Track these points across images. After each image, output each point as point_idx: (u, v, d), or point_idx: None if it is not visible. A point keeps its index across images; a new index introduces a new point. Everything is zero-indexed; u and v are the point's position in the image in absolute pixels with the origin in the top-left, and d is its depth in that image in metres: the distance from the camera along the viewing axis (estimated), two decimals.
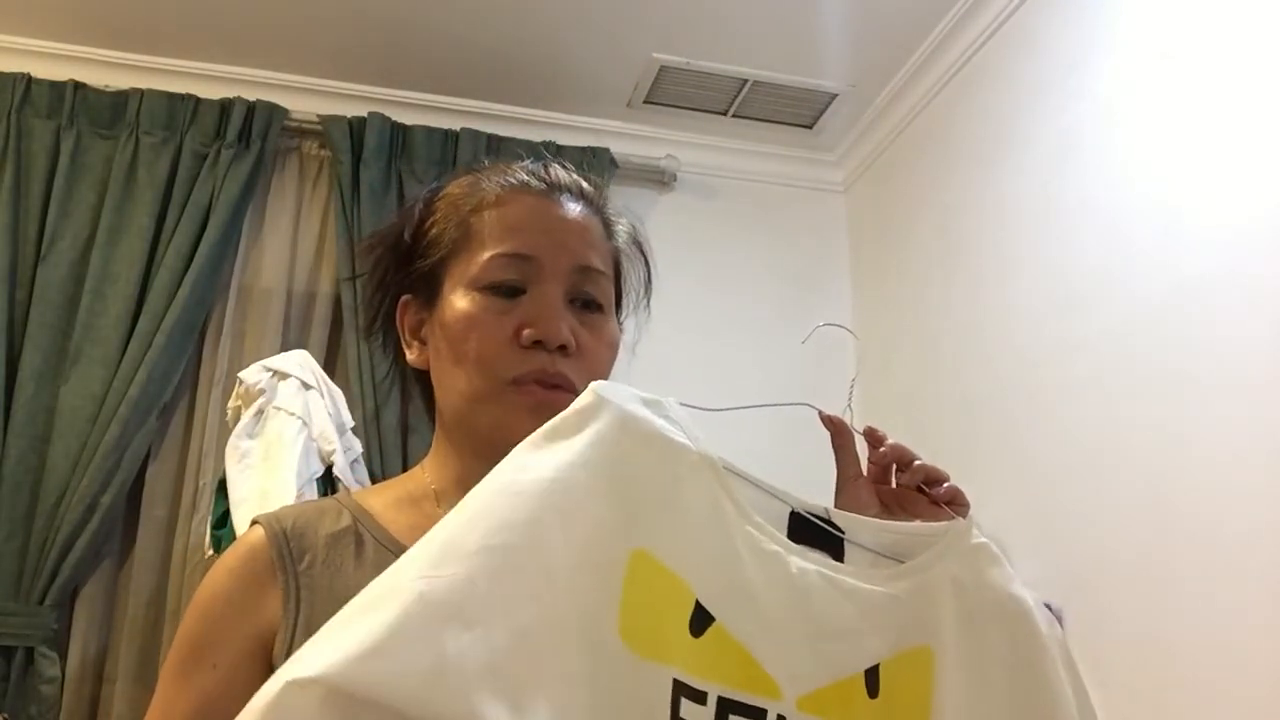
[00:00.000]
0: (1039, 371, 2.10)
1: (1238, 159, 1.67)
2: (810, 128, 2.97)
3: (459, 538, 0.56)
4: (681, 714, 0.58)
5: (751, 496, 0.67)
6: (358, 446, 2.22)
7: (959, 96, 2.53)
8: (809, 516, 0.69)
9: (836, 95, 2.80)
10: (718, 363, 2.76)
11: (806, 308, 2.88)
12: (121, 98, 2.53)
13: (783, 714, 0.61)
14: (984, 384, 2.29)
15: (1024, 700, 0.68)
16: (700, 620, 0.61)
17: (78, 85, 2.52)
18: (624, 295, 0.90)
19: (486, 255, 0.80)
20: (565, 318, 0.79)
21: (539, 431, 0.63)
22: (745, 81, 2.73)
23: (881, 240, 2.90)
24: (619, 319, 0.89)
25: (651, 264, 0.94)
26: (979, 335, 2.35)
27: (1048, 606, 0.75)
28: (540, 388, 0.77)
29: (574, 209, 0.85)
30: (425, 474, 0.85)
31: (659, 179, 2.95)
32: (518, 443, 0.75)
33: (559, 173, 0.87)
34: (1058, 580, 1.91)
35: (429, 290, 0.84)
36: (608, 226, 0.88)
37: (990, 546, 0.72)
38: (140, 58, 2.65)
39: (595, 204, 0.88)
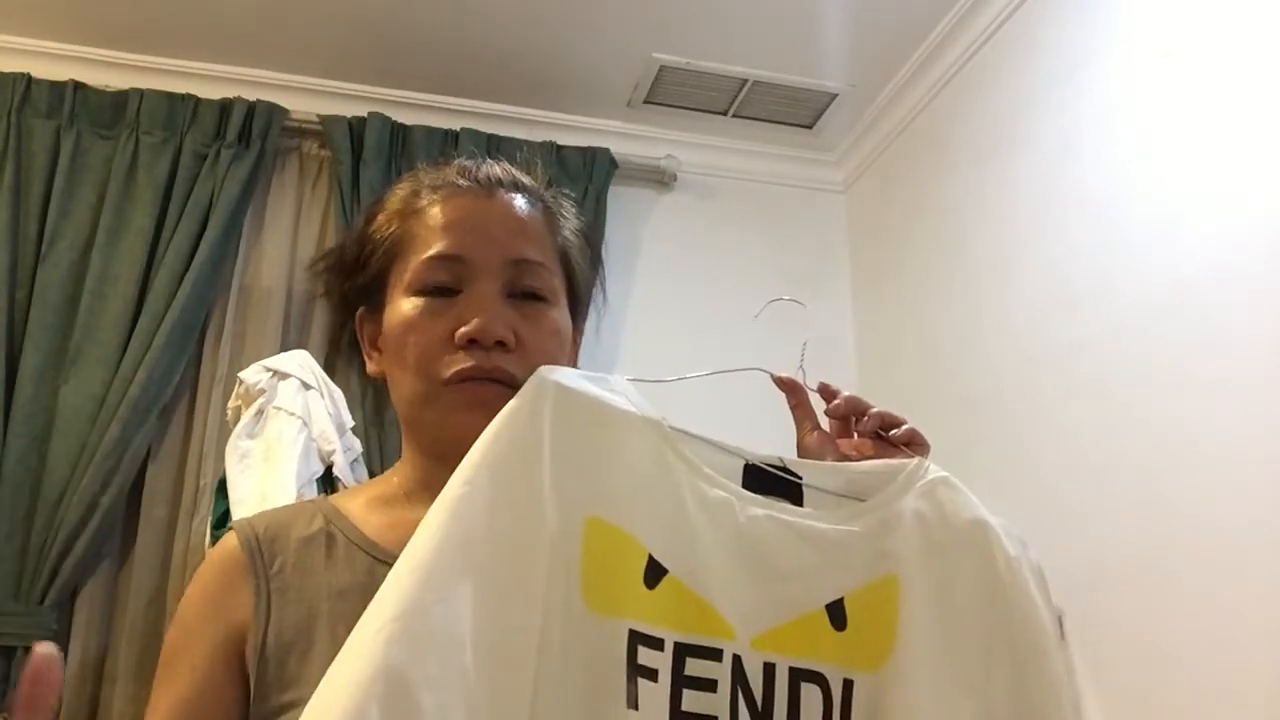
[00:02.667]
0: (1039, 371, 2.10)
1: (1238, 159, 1.67)
2: (810, 128, 2.97)
3: (429, 559, 0.58)
4: (639, 660, 0.61)
5: (703, 453, 0.69)
6: (358, 446, 2.22)
7: (959, 96, 2.53)
8: (764, 466, 0.71)
9: (836, 95, 2.80)
10: (717, 362, 2.75)
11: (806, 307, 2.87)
12: (121, 98, 2.53)
13: (738, 653, 0.64)
14: (983, 384, 2.29)
15: (996, 621, 0.69)
16: (654, 573, 0.63)
17: (78, 85, 2.51)
18: (579, 288, 0.88)
19: (419, 259, 0.80)
20: (501, 314, 0.78)
21: (491, 424, 0.65)
22: (745, 81, 2.73)
23: (881, 240, 2.89)
24: (578, 312, 0.89)
25: (600, 253, 0.93)
26: (979, 335, 2.35)
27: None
28: (476, 384, 0.77)
29: (508, 203, 0.84)
30: (395, 477, 0.86)
31: (659, 179, 2.94)
32: (462, 441, 0.76)
33: (492, 169, 0.86)
34: (1058, 580, 1.90)
35: (376, 300, 0.84)
36: (551, 218, 0.86)
37: (950, 478, 0.74)
38: (140, 58, 2.65)
39: (536, 196, 0.86)
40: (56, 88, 2.50)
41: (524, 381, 0.77)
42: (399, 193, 0.87)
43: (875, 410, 0.79)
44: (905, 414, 0.82)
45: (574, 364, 0.89)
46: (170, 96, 2.56)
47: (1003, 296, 2.27)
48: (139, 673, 2.25)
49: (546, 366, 0.68)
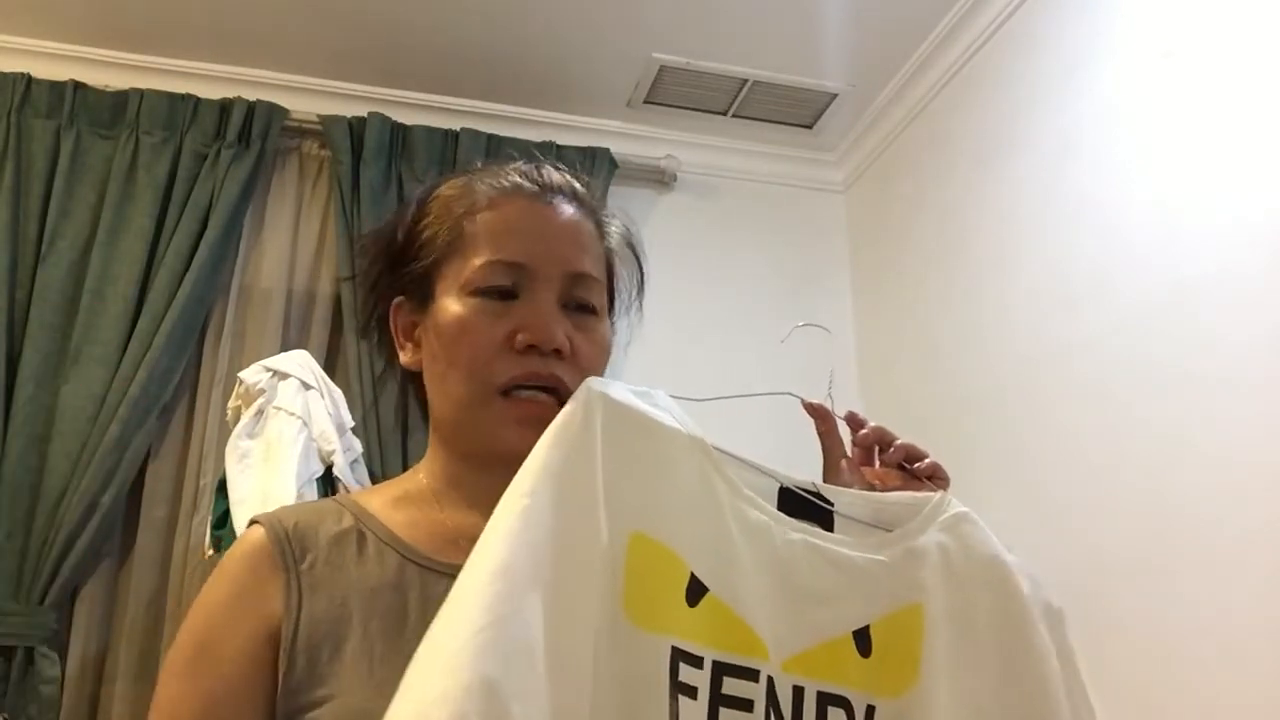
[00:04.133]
0: (1039, 371, 2.10)
1: (1237, 159, 1.67)
2: (810, 128, 2.97)
3: (505, 568, 0.58)
4: (680, 678, 0.61)
5: (742, 474, 0.71)
6: (358, 446, 2.22)
7: (959, 96, 2.53)
8: (798, 491, 0.73)
9: (836, 95, 2.80)
10: (718, 362, 2.76)
11: (806, 308, 2.87)
12: (121, 98, 2.53)
13: (771, 675, 0.65)
14: (983, 384, 2.29)
15: (1010, 658, 0.71)
16: (695, 591, 0.64)
17: (78, 85, 2.51)
18: (616, 295, 0.90)
19: (479, 261, 0.80)
20: (560, 322, 0.79)
21: (546, 432, 0.65)
22: (745, 81, 2.73)
23: (881, 240, 2.90)
24: (611, 319, 0.90)
25: (644, 265, 0.93)
26: (979, 335, 2.35)
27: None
28: (531, 395, 0.77)
29: (566, 212, 0.84)
30: (421, 474, 0.86)
31: (659, 179, 2.94)
32: (509, 453, 0.75)
33: (551, 174, 0.87)
34: (1058, 580, 1.90)
35: (422, 293, 0.84)
36: (600, 228, 0.88)
37: (971, 514, 0.76)
38: (140, 58, 2.65)
39: (588, 205, 0.87)
40: (56, 88, 2.50)
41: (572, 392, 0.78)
42: (452, 189, 0.86)
43: (901, 442, 0.82)
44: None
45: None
46: (170, 96, 2.55)
47: (1003, 296, 2.27)
48: (139, 673, 2.25)
49: (594, 378, 0.69)
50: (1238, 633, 1.55)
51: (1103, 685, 0.74)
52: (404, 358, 0.86)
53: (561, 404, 0.75)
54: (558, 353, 0.78)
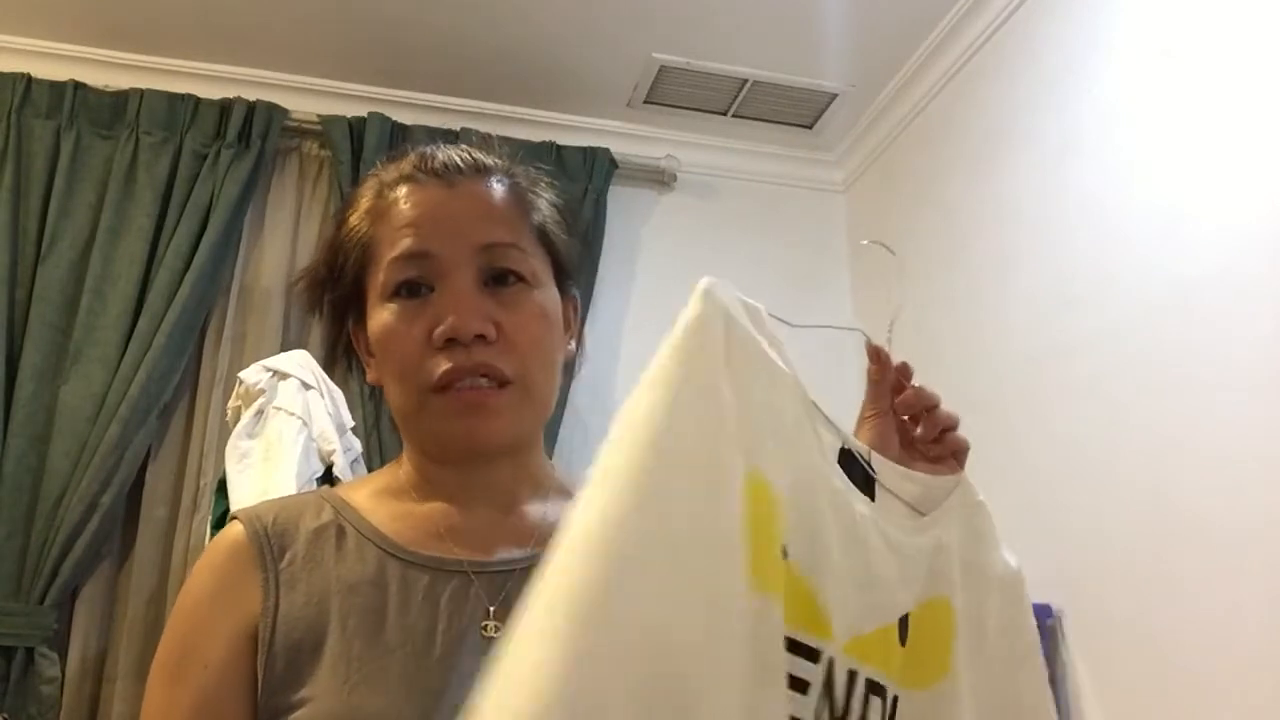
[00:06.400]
0: (1039, 371, 2.10)
1: (1238, 159, 1.67)
2: (810, 128, 2.97)
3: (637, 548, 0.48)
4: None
5: (825, 431, 0.64)
6: (358, 446, 2.22)
7: (959, 96, 2.53)
8: (858, 457, 0.67)
9: (836, 95, 2.80)
10: None
11: (806, 308, 2.87)
12: (121, 98, 2.53)
13: (833, 657, 0.60)
14: (984, 384, 2.29)
15: (1017, 661, 0.71)
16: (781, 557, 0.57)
17: (78, 85, 2.52)
18: (565, 263, 0.85)
19: (386, 262, 0.78)
20: (477, 306, 0.76)
21: (658, 360, 0.54)
22: (745, 81, 2.73)
23: (882, 240, 2.89)
24: (575, 285, 0.87)
25: (575, 230, 0.89)
26: (979, 335, 2.35)
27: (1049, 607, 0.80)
28: (464, 388, 0.75)
29: (471, 190, 0.81)
30: (401, 470, 0.85)
31: (659, 179, 2.95)
32: (459, 447, 0.74)
33: (450, 156, 0.83)
34: (1058, 580, 1.91)
35: (360, 308, 0.83)
36: (520, 197, 0.83)
37: (986, 506, 0.74)
38: (140, 58, 2.65)
39: (502, 175, 0.84)
40: (56, 88, 2.50)
41: (510, 374, 0.75)
42: (363, 195, 0.84)
43: (942, 410, 0.76)
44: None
45: (577, 338, 0.87)
46: (170, 96, 2.56)
47: (1003, 296, 2.27)
48: (139, 673, 2.25)
49: (707, 279, 0.58)
50: (1238, 632, 1.55)
51: (1102, 685, 0.74)
52: (370, 375, 0.84)
53: (499, 386, 0.74)
54: (481, 339, 0.75)
